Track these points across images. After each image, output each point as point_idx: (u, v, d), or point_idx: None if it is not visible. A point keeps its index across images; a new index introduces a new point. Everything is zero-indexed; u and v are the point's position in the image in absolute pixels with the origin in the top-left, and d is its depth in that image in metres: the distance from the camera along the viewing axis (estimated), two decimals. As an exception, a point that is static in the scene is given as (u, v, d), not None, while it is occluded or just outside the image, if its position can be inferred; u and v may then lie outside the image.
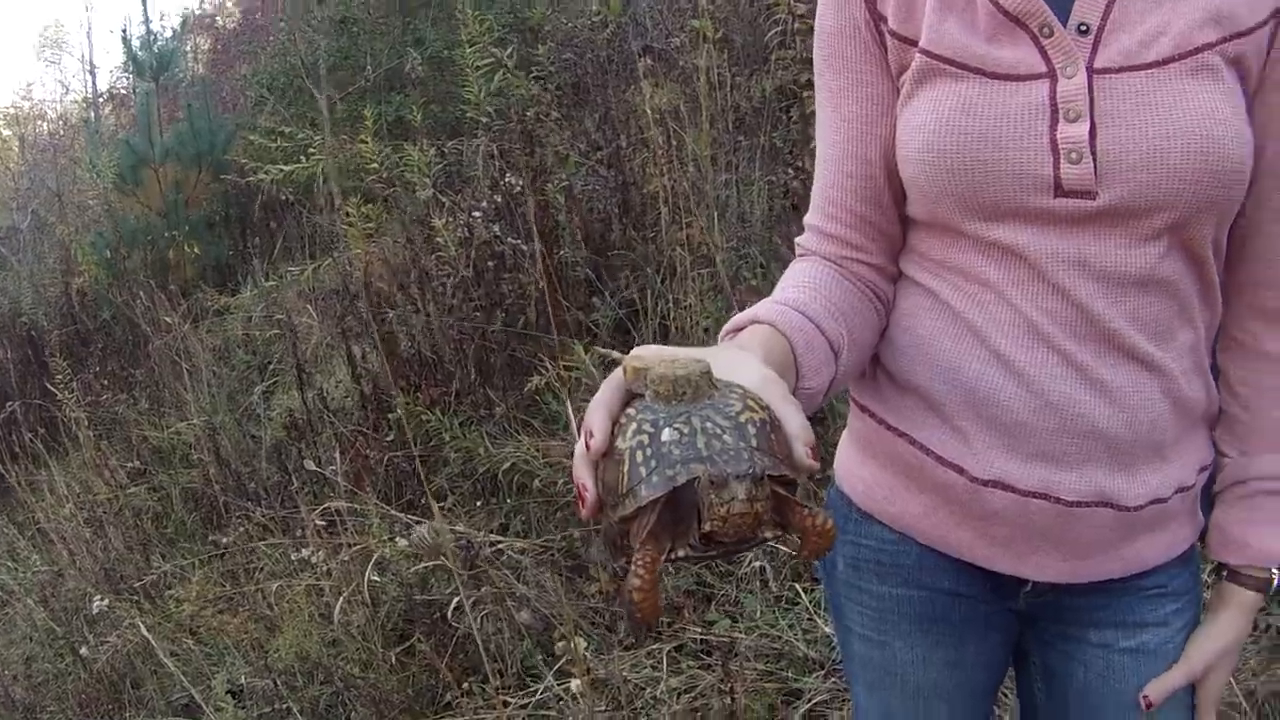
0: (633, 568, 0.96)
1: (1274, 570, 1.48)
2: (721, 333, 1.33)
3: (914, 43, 1.38)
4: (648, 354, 1.04)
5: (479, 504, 4.26)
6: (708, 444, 0.94)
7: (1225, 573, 1.50)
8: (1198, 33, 1.29)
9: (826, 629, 3.18)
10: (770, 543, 1.01)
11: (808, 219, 1.51)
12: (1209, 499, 1.51)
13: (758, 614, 3.35)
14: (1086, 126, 1.28)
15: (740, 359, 1.11)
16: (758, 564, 3.47)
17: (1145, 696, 1.47)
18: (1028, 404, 1.36)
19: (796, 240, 1.53)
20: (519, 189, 5.35)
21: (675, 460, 0.94)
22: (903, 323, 1.48)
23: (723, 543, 0.96)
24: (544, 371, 4.35)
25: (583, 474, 1.00)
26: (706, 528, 0.94)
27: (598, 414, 1.00)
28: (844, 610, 1.63)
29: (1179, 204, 1.28)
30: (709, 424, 0.95)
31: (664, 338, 4.46)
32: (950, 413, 1.42)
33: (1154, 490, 1.39)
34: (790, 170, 4.79)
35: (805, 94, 4.86)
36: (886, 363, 1.49)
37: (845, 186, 1.46)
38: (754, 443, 0.95)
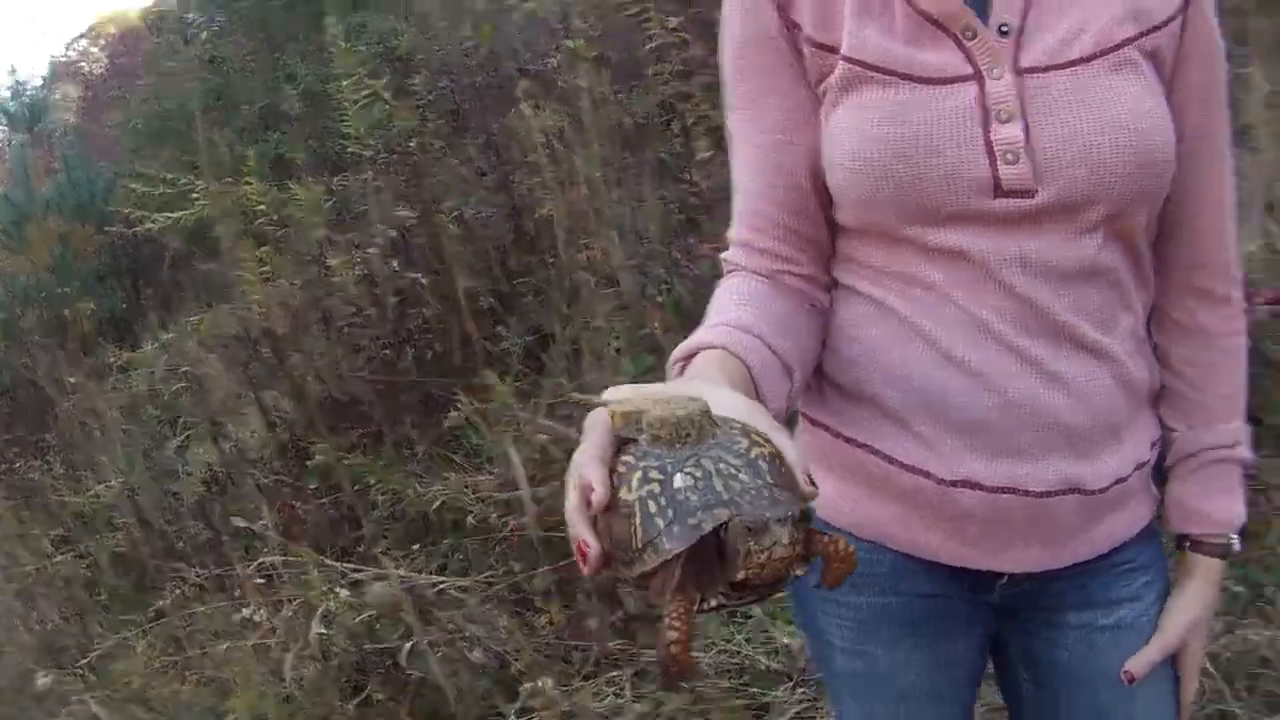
0: (667, 621, 0.93)
1: (1233, 536, 1.54)
2: (671, 360, 1.30)
3: (834, 50, 1.37)
4: (633, 396, 1.01)
5: (415, 546, 4.29)
6: (725, 486, 0.91)
7: (1188, 544, 1.55)
8: (1117, 29, 1.34)
9: (785, 640, 3.22)
10: (800, 577, 0.95)
11: (733, 234, 1.49)
12: (1160, 473, 1.56)
13: (712, 630, 3.37)
14: (1020, 127, 1.31)
15: (716, 390, 1.08)
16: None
17: (1127, 672, 1.50)
18: (986, 403, 1.38)
19: (722, 256, 1.50)
20: (411, 222, 5.38)
21: (695, 507, 0.90)
22: (848, 333, 1.47)
23: (757, 587, 0.93)
24: (460, 406, 4.39)
25: (582, 530, 0.95)
26: (741, 575, 0.90)
27: (593, 465, 0.96)
28: (821, 626, 1.60)
29: (1113, 196, 1.33)
30: (721, 465, 0.92)
31: (576, 362, 4.51)
32: (908, 419, 1.43)
33: (1115, 471, 1.44)
34: (682, 184, 4.89)
35: (683, 106, 4.95)
36: (834, 375, 1.50)
37: (770, 198, 1.44)
38: (769, 479, 0.93)
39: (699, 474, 0.91)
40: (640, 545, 0.91)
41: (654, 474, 0.92)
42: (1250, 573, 3.08)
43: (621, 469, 0.94)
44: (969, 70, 1.33)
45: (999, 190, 1.32)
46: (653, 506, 0.91)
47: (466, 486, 4.24)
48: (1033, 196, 1.32)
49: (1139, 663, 1.51)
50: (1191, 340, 1.52)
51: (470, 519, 4.10)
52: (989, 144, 1.31)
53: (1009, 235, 1.34)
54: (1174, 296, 1.52)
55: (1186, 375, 1.53)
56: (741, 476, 0.91)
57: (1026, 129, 1.32)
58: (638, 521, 0.91)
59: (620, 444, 0.98)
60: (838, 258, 1.50)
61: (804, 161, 1.42)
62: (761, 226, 1.45)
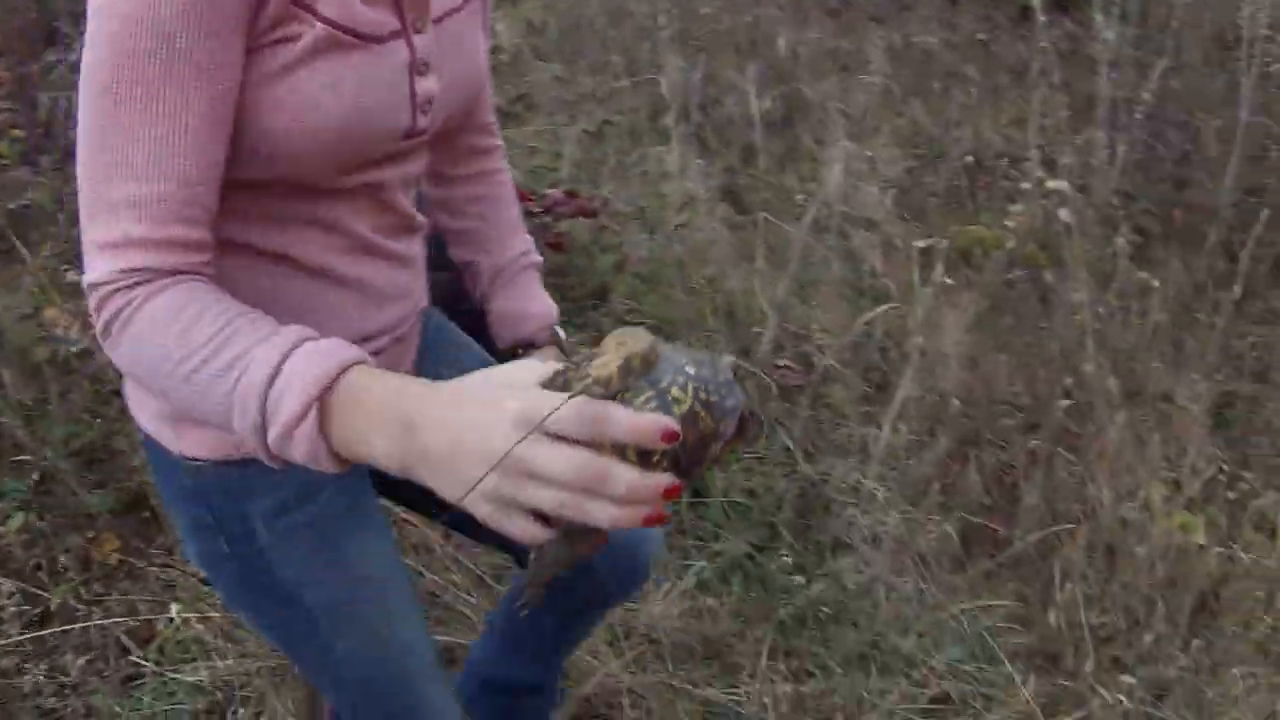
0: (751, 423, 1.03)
1: (557, 327, 1.69)
2: (310, 392, 1.03)
3: (310, 8, 1.17)
4: (558, 371, 0.98)
5: None
6: (705, 360, 1.00)
7: (522, 350, 1.67)
8: None
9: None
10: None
11: (153, 234, 1.14)
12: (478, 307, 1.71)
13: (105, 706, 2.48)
14: (436, 79, 1.32)
15: (515, 364, 1.02)
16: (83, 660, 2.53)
17: None
18: (377, 308, 1.43)
19: (125, 269, 1.14)
20: None
21: (712, 372, 0.99)
22: (247, 288, 1.25)
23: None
24: None
25: (662, 479, 0.95)
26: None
27: (647, 417, 0.94)
28: (279, 574, 1.43)
29: (459, 119, 1.47)
30: (690, 354, 1.00)
31: None
32: None
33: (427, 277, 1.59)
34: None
35: None
36: None
37: (207, 180, 1.17)
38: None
39: (696, 360, 0.99)
40: (717, 421, 0.98)
41: (681, 379, 0.97)
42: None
43: (651, 405, 0.96)
44: (397, 25, 1.26)
45: (409, 135, 1.33)
46: (704, 395, 0.97)
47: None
48: (425, 134, 1.36)
49: None
50: (477, 184, 1.68)
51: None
52: (413, 96, 1.30)
53: (401, 166, 1.38)
54: (460, 158, 1.66)
55: (474, 212, 1.68)
56: (701, 356, 1.01)
57: (438, 79, 1.34)
58: (704, 414, 0.97)
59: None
60: (223, 214, 1.25)
61: (228, 128, 1.18)
62: (198, 216, 1.17)
